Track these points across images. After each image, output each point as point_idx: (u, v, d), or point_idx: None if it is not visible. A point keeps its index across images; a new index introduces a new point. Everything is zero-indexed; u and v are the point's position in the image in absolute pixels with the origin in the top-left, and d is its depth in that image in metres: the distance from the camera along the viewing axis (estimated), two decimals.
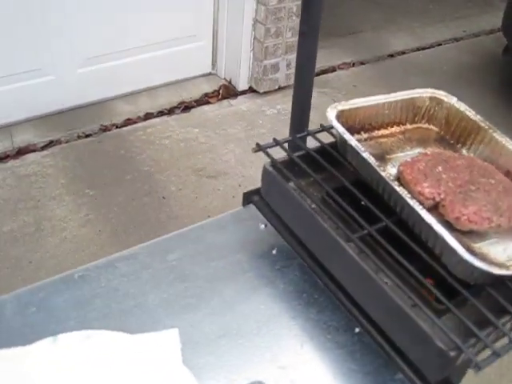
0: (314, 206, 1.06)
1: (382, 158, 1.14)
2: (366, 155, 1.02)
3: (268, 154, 1.11)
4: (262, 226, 1.18)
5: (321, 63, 3.92)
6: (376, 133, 1.20)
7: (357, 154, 1.04)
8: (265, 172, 1.11)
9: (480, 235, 1.01)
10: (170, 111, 3.45)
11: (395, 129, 1.22)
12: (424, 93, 1.24)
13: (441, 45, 4.48)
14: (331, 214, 1.04)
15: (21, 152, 3.04)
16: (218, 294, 1.07)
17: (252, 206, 1.21)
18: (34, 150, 3.08)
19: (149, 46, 3.42)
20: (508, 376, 2.21)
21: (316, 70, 3.85)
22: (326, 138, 1.20)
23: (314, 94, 3.58)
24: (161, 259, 1.11)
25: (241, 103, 3.60)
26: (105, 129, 3.26)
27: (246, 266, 1.12)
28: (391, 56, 4.26)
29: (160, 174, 3.02)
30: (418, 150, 1.19)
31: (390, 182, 0.99)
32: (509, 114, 3.66)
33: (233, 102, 3.60)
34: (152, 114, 3.41)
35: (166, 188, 2.95)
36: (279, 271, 1.11)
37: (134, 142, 3.20)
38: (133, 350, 0.94)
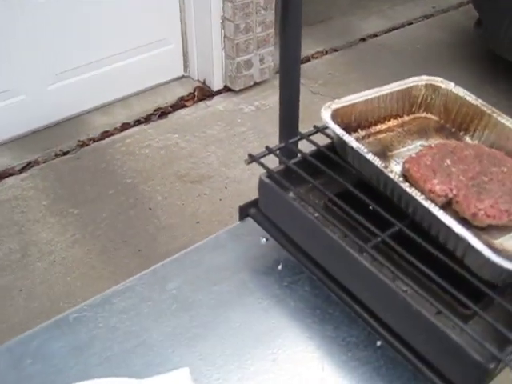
0: (317, 214, 0.99)
1: (383, 155, 1.07)
2: (370, 157, 0.95)
3: (262, 165, 1.04)
4: (263, 240, 1.11)
5: None
6: (373, 129, 1.13)
7: (359, 155, 0.97)
8: (261, 184, 1.04)
9: (499, 229, 0.94)
10: (147, 119, 3.37)
11: (393, 122, 1.15)
12: (419, 81, 1.17)
13: (412, 24, 4.43)
14: (337, 222, 0.97)
15: None
16: (226, 320, 0.99)
17: (249, 220, 1.13)
18: (12, 174, 2.99)
19: (118, 55, 3.33)
20: None
21: None
22: (321, 140, 1.13)
23: None
24: (160, 289, 1.04)
25: (217, 103, 3.53)
26: (82, 144, 3.18)
27: (251, 286, 1.05)
28: (363, 40, 4.21)
29: (144, 185, 2.95)
30: (419, 143, 1.12)
31: (400, 183, 0.92)
32: (484, 86, 3.63)
33: (209, 102, 3.53)
34: (129, 123, 3.33)
35: (152, 198, 2.88)
36: (288, 288, 1.04)
37: (113, 155, 3.13)
38: None
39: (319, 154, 1.08)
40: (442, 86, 1.16)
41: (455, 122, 1.16)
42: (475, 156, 1.02)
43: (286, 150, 1.11)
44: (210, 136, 3.26)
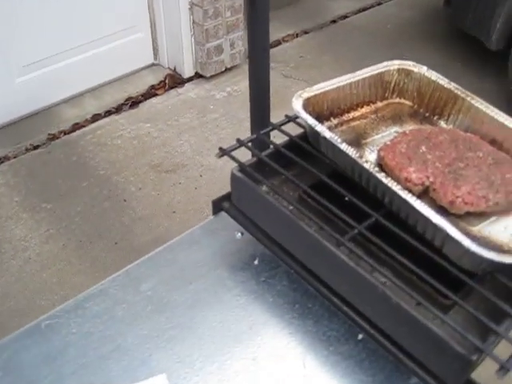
0: (291, 207, 0.97)
1: (357, 143, 1.05)
2: (343, 147, 0.93)
3: (234, 158, 1.01)
4: (239, 234, 1.08)
5: None
6: (347, 116, 1.11)
7: (332, 146, 0.95)
8: (233, 178, 1.01)
9: (477, 216, 0.93)
10: (118, 109, 3.31)
11: (366, 109, 1.13)
12: (391, 65, 1.14)
13: (381, 4, 4.40)
14: (312, 215, 0.94)
15: None
16: (203, 320, 0.97)
17: (224, 214, 1.11)
18: None
19: (86, 44, 3.26)
20: None
21: None
22: (293, 129, 1.11)
23: None
24: (134, 291, 1.01)
25: (189, 90, 3.47)
26: (53, 137, 3.12)
27: (228, 283, 1.02)
28: (334, 22, 4.17)
29: (117, 176, 2.90)
30: (394, 129, 1.10)
31: (375, 173, 0.90)
32: (455, 65, 3.63)
33: (180, 90, 3.48)
34: (100, 114, 3.27)
35: (126, 189, 2.84)
36: (265, 283, 1.02)
37: (85, 147, 3.07)
38: None
39: (292, 144, 1.05)
40: (415, 70, 1.14)
41: (429, 107, 1.14)
42: (450, 141, 1.00)
43: (258, 142, 1.09)
44: (183, 124, 3.22)
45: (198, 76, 3.56)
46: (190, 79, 3.55)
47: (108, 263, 2.48)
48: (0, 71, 3.02)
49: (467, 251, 0.80)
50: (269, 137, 1.12)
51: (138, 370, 0.90)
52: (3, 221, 2.66)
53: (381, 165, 0.98)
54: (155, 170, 2.94)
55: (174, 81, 3.51)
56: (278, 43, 3.84)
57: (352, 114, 1.11)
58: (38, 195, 2.79)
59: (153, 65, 3.62)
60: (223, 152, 1.02)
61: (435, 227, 0.83)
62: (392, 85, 1.15)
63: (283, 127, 1.10)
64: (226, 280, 1.02)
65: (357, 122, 1.10)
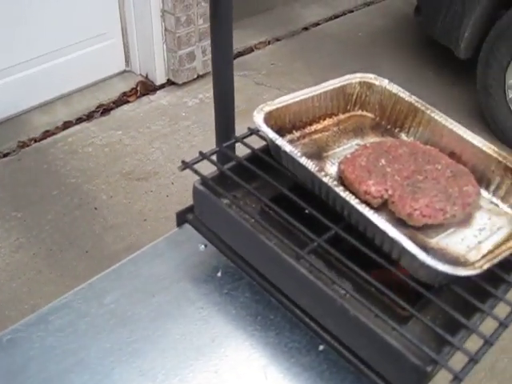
0: (252, 221, 0.97)
1: (318, 156, 1.06)
2: (303, 160, 0.94)
3: (196, 172, 1.02)
4: (202, 246, 1.09)
5: (236, 45, 3.82)
6: (309, 129, 1.12)
7: (293, 159, 0.96)
8: (195, 191, 1.02)
9: (435, 228, 0.94)
10: (89, 116, 3.29)
11: (328, 121, 1.14)
12: (353, 78, 1.16)
13: (352, 11, 4.44)
14: (273, 228, 0.95)
15: None
16: (166, 333, 0.97)
17: (188, 226, 1.11)
18: None
19: (56, 51, 3.23)
20: None
21: (233, 53, 3.78)
22: (259, 141, 1.12)
23: (235, 77, 3.48)
24: (97, 304, 1.01)
25: (161, 98, 3.47)
26: (23, 145, 3.09)
27: (191, 295, 1.03)
28: (306, 29, 4.19)
29: (88, 184, 2.89)
30: (355, 142, 1.11)
31: (333, 187, 0.91)
32: (427, 74, 3.68)
33: (152, 97, 3.47)
34: (71, 122, 3.25)
35: (97, 197, 2.83)
36: (228, 295, 1.03)
37: (56, 155, 3.05)
38: None
39: (254, 157, 1.06)
40: (376, 83, 1.16)
41: (390, 119, 1.16)
42: (410, 154, 1.02)
43: (222, 154, 1.09)
44: (155, 131, 3.21)
45: (170, 83, 3.56)
46: (162, 86, 3.55)
47: (79, 272, 2.46)
48: None
49: (423, 264, 0.81)
50: (233, 149, 1.13)
51: (100, 383, 0.90)
52: None
53: (341, 178, 1.00)
54: (126, 177, 2.93)
55: (146, 88, 3.50)
56: (250, 50, 3.85)
57: (314, 127, 1.12)
58: (7, 203, 2.76)
59: (124, 72, 3.61)
60: (185, 165, 1.02)
61: (392, 240, 0.85)
62: (354, 97, 1.16)
63: (247, 140, 1.11)
64: (189, 292, 1.03)
65: (319, 135, 1.11)
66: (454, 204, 0.94)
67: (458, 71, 3.64)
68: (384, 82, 1.16)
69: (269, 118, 1.03)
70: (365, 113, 1.18)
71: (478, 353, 0.81)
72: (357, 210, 0.88)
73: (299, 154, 0.95)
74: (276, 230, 0.95)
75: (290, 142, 1.03)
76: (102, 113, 3.32)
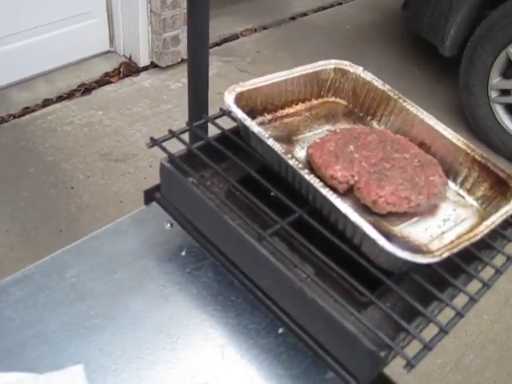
0: (218, 201, 0.97)
1: (288, 139, 1.06)
2: (270, 142, 0.93)
3: (164, 149, 1.01)
4: (168, 225, 1.08)
5: (223, 31, 3.82)
6: (280, 112, 1.11)
7: (260, 141, 0.95)
8: (162, 168, 1.01)
9: (399, 216, 0.94)
10: (70, 95, 3.26)
11: (300, 106, 1.14)
12: (328, 64, 1.15)
13: (341, 4, 4.43)
14: (238, 209, 0.95)
15: None
16: (125, 309, 0.96)
17: (155, 205, 1.10)
18: None
19: (40, 27, 3.19)
20: None
21: (218, 39, 3.76)
22: (229, 123, 1.11)
23: (219, 63, 3.46)
24: (58, 278, 1.00)
25: (144, 80, 3.45)
26: (1, 120, 3.05)
27: (153, 273, 1.02)
28: (293, 18, 4.18)
29: (66, 163, 2.86)
30: (326, 128, 1.11)
31: (299, 170, 0.91)
32: (411, 68, 3.69)
33: (135, 79, 3.45)
34: (51, 99, 3.21)
35: (74, 177, 2.80)
36: (191, 274, 1.02)
37: (34, 132, 3.02)
38: None
39: (224, 138, 1.05)
40: (351, 70, 1.15)
41: (363, 107, 1.16)
42: (379, 142, 1.02)
43: (194, 134, 1.09)
44: (136, 113, 3.19)
45: (153, 66, 3.54)
46: (145, 68, 3.52)
47: (52, 251, 2.43)
48: None
49: (382, 250, 0.81)
50: (205, 129, 1.12)
51: (56, 356, 0.89)
52: None
53: (309, 162, 0.99)
54: (105, 158, 2.91)
55: (129, 69, 3.48)
56: (235, 37, 3.84)
57: (286, 111, 1.12)
58: None
59: (108, 52, 3.58)
60: (154, 142, 1.02)
61: (353, 225, 0.85)
62: (328, 83, 1.16)
63: (221, 121, 1.11)
64: (152, 270, 1.02)
65: (290, 119, 1.11)
66: (420, 193, 0.94)
67: (442, 69, 3.65)
68: (358, 70, 1.15)
69: (240, 99, 1.02)
70: (338, 99, 1.17)
71: (432, 340, 0.81)
72: (320, 194, 0.88)
73: (267, 136, 0.95)
74: (241, 211, 0.94)
75: (261, 124, 1.03)
76: (83, 92, 3.29)
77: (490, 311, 2.39)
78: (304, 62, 1.15)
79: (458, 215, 0.99)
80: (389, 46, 3.95)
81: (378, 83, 1.13)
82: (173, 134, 1.03)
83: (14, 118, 3.09)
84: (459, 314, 0.85)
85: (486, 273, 0.93)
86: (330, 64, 1.15)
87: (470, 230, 0.93)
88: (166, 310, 0.97)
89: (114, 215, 2.59)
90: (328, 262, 0.86)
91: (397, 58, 3.81)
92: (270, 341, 0.94)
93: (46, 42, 3.26)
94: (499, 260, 0.96)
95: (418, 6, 3.46)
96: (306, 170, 0.90)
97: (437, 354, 2.19)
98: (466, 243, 0.86)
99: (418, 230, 0.94)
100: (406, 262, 0.81)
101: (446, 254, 0.83)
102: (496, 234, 0.98)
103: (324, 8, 4.34)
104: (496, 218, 0.91)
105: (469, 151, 1.03)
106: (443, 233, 0.95)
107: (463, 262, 0.91)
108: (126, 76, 3.45)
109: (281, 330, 0.95)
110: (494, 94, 3.11)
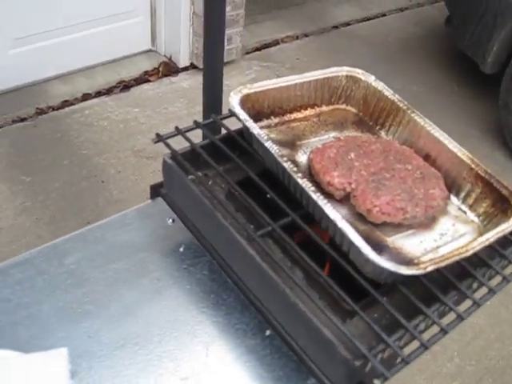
0: (215, 201, 0.98)
1: (292, 144, 1.06)
2: (268, 144, 0.94)
3: (168, 145, 1.02)
4: (170, 221, 1.10)
5: (264, 37, 3.83)
6: (288, 116, 1.12)
7: (260, 143, 0.96)
8: (164, 165, 1.02)
9: (395, 227, 0.94)
10: (109, 91, 3.31)
11: (309, 111, 1.14)
12: (340, 71, 1.15)
13: (385, 15, 4.40)
14: (234, 210, 0.96)
15: None
16: (119, 299, 0.98)
17: (160, 200, 1.12)
18: None
19: (84, 23, 3.25)
20: None
21: (259, 44, 3.77)
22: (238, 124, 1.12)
23: (258, 68, 3.46)
24: (58, 263, 1.02)
25: (182, 80, 3.48)
26: (40, 112, 3.12)
27: (150, 266, 1.04)
28: (336, 27, 4.17)
29: (99, 157, 2.91)
30: (333, 134, 1.11)
31: (293, 174, 0.91)
32: (450, 84, 3.64)
33: (174, 79, 3.48)
34: (90, 94, 3.27)
35: (105, 171, 2.84)
36: (186, 270, 1.03)
37: (71, 125, 3.07)
38: (17, 371, 0.85)
39: (229, 138, 1.06)
40: (363, 78, 1.15)
41: (373, 116, 1.15)
42: (382, 151, 1.02)
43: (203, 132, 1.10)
44: (171, 113, 3.22)
45: (193, 67, 3.56)
46: (184, 69, 3.55)
47: None
48: None
49: (367, 259, 0.81)
50: (215, 129, 1.13)
51: (45, 339, 0.91)
52: None
53: (310, 167, 1.00)
54: (137, 155, 2.94)
55: (169, 69, 3.52)
56: (276, 43, 3.85)
57: (294, 115, 1.12)
58: (18, 167, 2.79)
59: (149, 51, 3.62)
60: (159, 138, 1.03)
61: (341, 232, 0.85)
62: (339, 90, 1.16)
63: (233, 122, 1.11)
64: (149, 263, 1.04)
65: (297, 124, 1.11)
66: (417, 205, 0.94)
67: (482, 86, 3.60)
68: (370, 78, 1.15)
69: (245, 101, 1.03)
70: (348, 107, 1.17)
71: (410, 355, 0.80)
72: (312, 199, 0.88)
73: (265, 138, 0.95)
74: (238, 211, 0.95)
75: (267, 127, 1.04)
76: (121, 89, 3.34)
77: None
78: None
79: (457, 230, 0.98)
80: (430, 61, 3.91)
81: (388, 93, 1.13)
82: (178, 132, 1.05)
83: (53, 110, 3.14)
84: (443, 331, 0.84)
85: (479, 293, 0.93)
86: (342, 71, 1.15)
87: (465, 245, 0.92)
88: (157, 303, 0.98)
89: None
90: (317, 269, 0.86)
91: (437, 72, 3.76)
92: (256, 342, 0.95)
93: (89, 38, 3.32)
94: (496, 280, 0.95)
95: (462, 21, 3.42)
96: (300, 174, 0.91)
97: (455, 376, 2.16)
98: (456, 258, 0.85)
99: (412, 243, 0.93)
100: (391, 273, 0.81)
101: (430, 268, 0.82)
102: (495, 252, 0.96)
103: (368, 19, 4.31)
104: (491, 236, 0.90)
105: (473, 166, 1.02)
106: (438, 247, 0.94)
107: (456, 279, 0.90)
108: (165, 76, 3.49)
109: (268, 332, 0.95)
110: None
